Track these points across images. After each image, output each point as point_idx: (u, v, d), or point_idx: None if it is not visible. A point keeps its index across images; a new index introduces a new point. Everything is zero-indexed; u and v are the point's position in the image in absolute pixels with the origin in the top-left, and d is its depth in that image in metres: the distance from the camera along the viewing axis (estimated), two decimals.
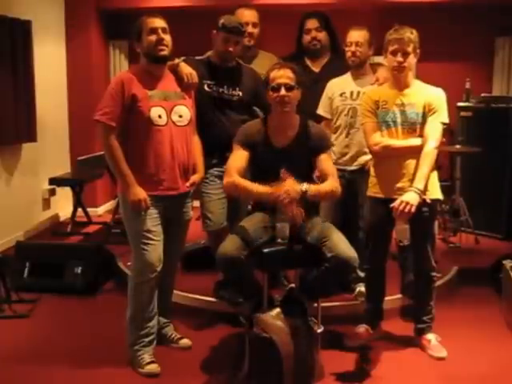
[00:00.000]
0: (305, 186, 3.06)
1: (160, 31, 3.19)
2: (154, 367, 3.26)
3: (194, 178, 3.39)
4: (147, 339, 3.31)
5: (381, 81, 3.68)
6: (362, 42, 3.78)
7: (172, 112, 3.25)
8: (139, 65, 3.33)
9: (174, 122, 3.24)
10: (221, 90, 3.69)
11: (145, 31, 3.19)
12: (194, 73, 3.40)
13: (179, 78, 3.36)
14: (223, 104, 3.69)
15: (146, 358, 3.28)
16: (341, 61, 4.03)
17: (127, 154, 3.19)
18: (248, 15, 4.19)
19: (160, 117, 3.20)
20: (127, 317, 3.33)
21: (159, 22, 3.22)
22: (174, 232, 3.39)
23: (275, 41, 5.10)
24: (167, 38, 3.22)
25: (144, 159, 3.21)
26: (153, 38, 3.18)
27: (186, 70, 3.38)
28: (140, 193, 3.16)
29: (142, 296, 3.29)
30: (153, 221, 3.23)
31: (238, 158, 3.23)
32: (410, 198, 3.12)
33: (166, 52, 3.23)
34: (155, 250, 3.24)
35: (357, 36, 3.79)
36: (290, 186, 3.03)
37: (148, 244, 3.23)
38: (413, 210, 3.12)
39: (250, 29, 4.12)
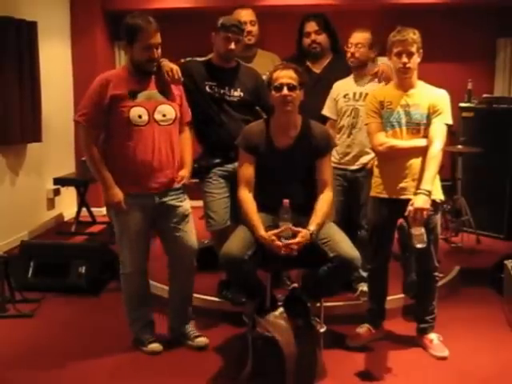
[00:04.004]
0: (312, 229, 3.10)
1: (155, 49, 3.19)
2: (156, 346, 3.43)
3: (181, 173, 3.41)
4: (141, 323, 3.49)
5: (380, 74, 3.72)
6: (363, 44, 3.80)
7: (155, 111, 3.26)
8: (125, 65, 3.37)
9: (157, 122, 3.26)
10: (222, 91, 3.70)
11: (140, 43, 3.15)
12: (174, 68, 3.36)
13: (163, 76, 3.33)
14: (225, 105, 3.71)
15: (149, 337, 3.46)
16: (342, 62, 4.05)
17: (109, 152, 3.27)
18: (245, 15, 4.23)
19: (140, 117, 3.21)
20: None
21: (156, 39, 3.18)
22: (170, 229, 3.40)
23: (277, 42, 5.13)
24: (159, 52, 3.23)
25: (125, 158, 3.25)
26: (146, 54, 3.18)
27: (167, 67, 3.36)
28: (116, 195, 3.24)
29: (129, 286, 3.47)
30: (132, 221, 3.31)
31: (246, 166, 3.28)
32: (422, 202, 3.13)
33: (154, 68, 3.26)
34: (137, 248, 3.37)
35: (357, 38, 3.82)
36: (303, 237, 3.07)
37: (130, 242, 3.34)
38: (426, 213, 3.14)
39: (248, 27, 4.16)
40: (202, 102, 3.65)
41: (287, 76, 3.18)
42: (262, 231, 3.10)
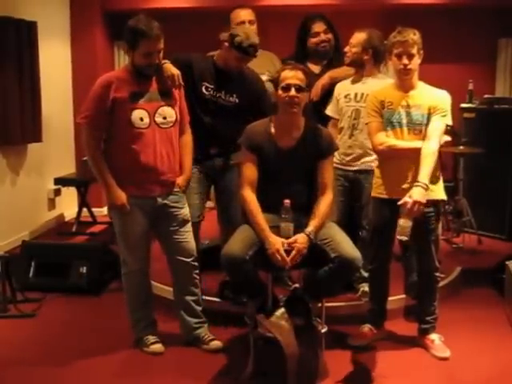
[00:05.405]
0: (309, 231, 3.09)
1: (155, 55, 3.18)
2: (157, 347, 3.43)
3: (178, 181, 3.41)
4: (144, 323, 3.48)
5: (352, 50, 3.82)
6: (354, 44, 3.82)
7: (156, 114, 3.26)
8: (126, 66, 3.36)
9: (157, 124, 3.26)
10: (218, 94, 3.66)
11: (141, 49, 3.15)
12: (176, 73, 3.34)
13: (164, 79, 3.33)
14: (217, 108, 3.67)
15: (150, 338, 3.46)
16: (340, 62, 4.09)
17: (110, 153, 3.27)
18: (244, 14, 4.21)
19: (142, 119, 3.21)
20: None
21: (158, 45, 3.18)
22: (169, 233, 3.41)
23: (277, 42, 5.13)
24: (161, 57, 3.23)
25: (126, 161, 3.25)
26: (147, 60, 3.19)
27: (169, 72, 3.34)
28: (119, 197, 3.24)
29: (132, 286, 3.47)
30: (134, 223, 3.31)
31: (249, 166, 3.27)
32: (420, 195, 3.12)
33: (153, 71, 3.25)
34: (138, 249, 3.38)
35: (352, 37, 3.85)
36: (302, 243, 3.05)
37: (129, 244, 3.37)
38: (421, 208, 3.15)
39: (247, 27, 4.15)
40: (194, 99, 3.60)
41: (295, 77, 3.16)
42: (271, 236, 3.07)
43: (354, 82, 3.91)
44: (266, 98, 3.78)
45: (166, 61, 3.37)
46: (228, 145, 3.71)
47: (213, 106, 3.66)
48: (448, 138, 3.60)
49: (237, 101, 3.69)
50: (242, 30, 3.60)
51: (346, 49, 3.87)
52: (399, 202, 3.16)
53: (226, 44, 3.57)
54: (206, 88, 3.65)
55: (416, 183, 3.18)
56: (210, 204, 3.97)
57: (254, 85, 3.77)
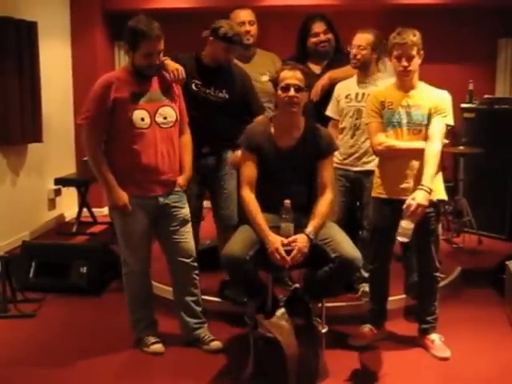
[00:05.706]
0: (308, 231, 3.09)
1: (156, 56, 3.18)
2: (158, 347, 3.43)
3: (179, 180, 3.41)
4: (144, 323, 3.49)
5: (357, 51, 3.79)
6: (364, 46, 3.79)
7: (156, 114, 3.26)
8: (126, 66, 3.36)
9: (158, 124, 3.26)
10: (207, 90, 3.68)
11: (142, 50, 3.15)
12: (180, 68, 3.36)
13: (165, 77, 3.33)
14: (207, 105, 3.68)
15: (151, 338, 3.46)
16: (340, 62, 4.09)
17: (111, 154, 3.26)
18: (244, 15, 4.22)
19: (143, 120, 3.21)
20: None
21: (159, 46, 3.17)
22: (169, 232, 3.40)
23: (277, 42, 5.13)
24: (161, 57, 3.23)
25: (127, 161, 3.25)
26: (148, 61, 3.18)
27: (172, 66, 3.35)
28: (121, 198, 3.23)
29: (133, 286, 3.48)
30: (136, 223, 3.31)
31: (248, 165, 3.27)
32: (422, 198, 3.12)
33: (154, 72, 3.25)
34: (140, 249, 3.38)
35: (359, 39, 3.82)
36: (302, 243, 3.05)
37: (130, 245, 3.36)
38: (424, 210, 3.14)
39: (247, 27, 4.15)
40: (187, 97, 3.58)
41: (294, 77, 3.17)
42: (270, 235, 3.08)
43: (360, 82, 3.89)
44: (254, 96, 3.81)
45: (166, 58, 3.38)
46: (220, 143, 3.75)
47: (203, 102, 3.67)
48: (446, 141, 3.59)
49: (226, 96, 3.71)
50: (224, 22, 3.63)
51: (354, 51, 3.80)
52: (404, 206, 3.15)
53: (211, 38, 3.60)
54: (196, 85, 3.67)
55: (420, 186, 3.17)
56: (209, 204, 3.96)
57: (243, 81, 3.79)
